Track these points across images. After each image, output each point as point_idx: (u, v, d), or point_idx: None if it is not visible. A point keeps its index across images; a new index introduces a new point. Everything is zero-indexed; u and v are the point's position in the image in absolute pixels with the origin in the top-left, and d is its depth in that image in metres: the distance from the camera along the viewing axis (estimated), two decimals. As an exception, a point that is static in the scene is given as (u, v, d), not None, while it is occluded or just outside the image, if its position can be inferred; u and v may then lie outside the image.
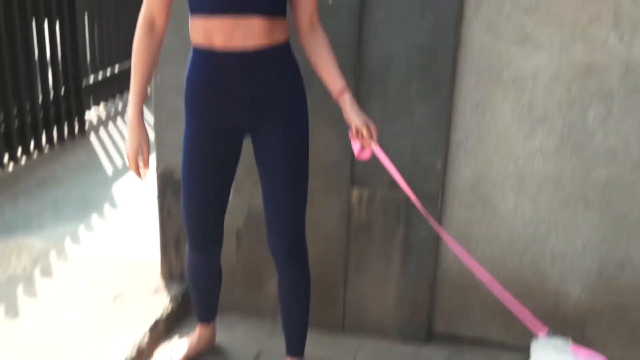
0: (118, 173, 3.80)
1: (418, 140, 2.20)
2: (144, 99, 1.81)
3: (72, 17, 4.18)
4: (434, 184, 2.24)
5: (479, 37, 2.11)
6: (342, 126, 2.11)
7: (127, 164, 1.84)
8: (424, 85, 2.15)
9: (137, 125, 1.80)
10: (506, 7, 2.05)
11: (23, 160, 3.78)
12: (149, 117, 2.41)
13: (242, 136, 1.88)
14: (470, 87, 2.17)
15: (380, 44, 2.15)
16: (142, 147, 1.82)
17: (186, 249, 2.07)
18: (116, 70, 5.04)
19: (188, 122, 1.84)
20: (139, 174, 1.85)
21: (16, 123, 3.66)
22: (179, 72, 1.96)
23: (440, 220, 2.31)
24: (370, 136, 1.79)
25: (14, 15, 3.56)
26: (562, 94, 2.11)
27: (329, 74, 1.79)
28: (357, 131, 1.79)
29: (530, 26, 2.06)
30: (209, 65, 1.73)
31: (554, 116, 2.13)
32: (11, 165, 3.67)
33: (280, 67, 1.78)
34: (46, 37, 4.00)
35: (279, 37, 1.74)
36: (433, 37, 2.10)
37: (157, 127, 2.43)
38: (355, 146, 1.83)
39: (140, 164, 1.84)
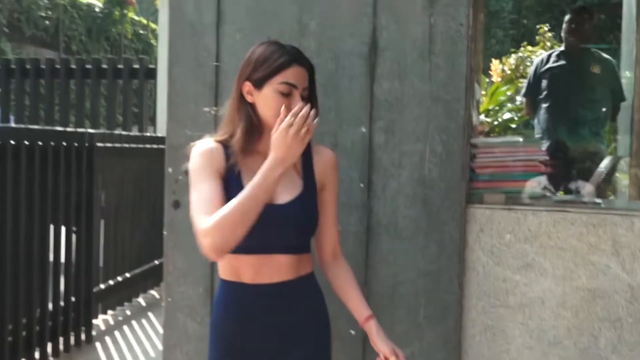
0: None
1: (428, 365, 2.18)
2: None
3: (89, 224, 4.36)
4: (446, 412, 2.18)
5: (483, 263, 2.19)
6: (352, 348, 2.10)
7: None
8: (431, 310, 2.19)
9: None
10: (507, 235, 2.16)
11: (25, 372, 3.71)
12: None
13: None
14: (478, 311, 2.21)
15: (386, 269, 2.22)
16: None
17: None
18: (127, 276, 5.12)
19: (212, 348, 1.84)
20: None
21: (24, 333, 3.64)
22: (190, 294, 2.01)
23: None
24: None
25: (34, 220, 3.71)
26: (571, 319, 2.13)
27: (356, 302, 1.84)
28: (386, 359, 1.77)
29: (532, 254, 2.14)
30: (240, 300, 1.78)
31: (566, 341, 2.14)
32: (12, 377, 3.59)
33: (305, 296, 1.83)
34: (62, 243, 4.13)
35: (304, 269, 1.81)
36: (438, 262, 2.18)
37: (166, 349, 2.42)
38: None
39: None
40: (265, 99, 1.69)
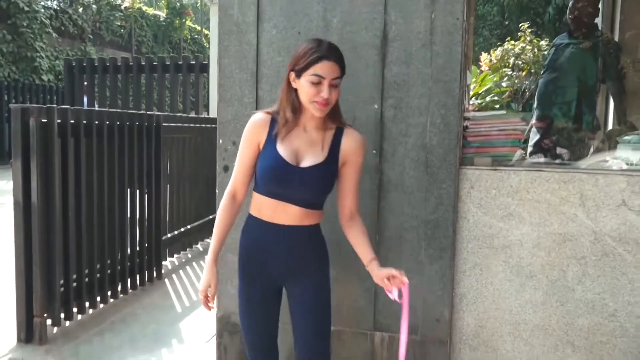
0: (186, 311, 3.78)
1: (428, 294, 2.19)
2: (219, 249, 1.86)
3: (158, 189, 4.40)
4: (443, 331, 2.19)
5: (473, 213, 2.17)
6: (367, 282, 2.11)
7: (200, 297, 1.86)
8: (430, 251, 2.18)
9: (210, 269, 1.84)
10: (493, 191, 2.13)
11: (111, 301, 3.80)
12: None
13: (279, 287, 1.90)
14: (469, 252, 2.20)
15: (395, 218, 2.21)
16: (211, 285, 1.84)
17: None
18: (188, 228, 5.19)
19: (240, 275, 1.90)
20: (207, 306, 1.86)
21: (109, 271, 3.73)
22: (237, 238, 2.03)
23: (450, 362, 2.23)
24: (401, 274, 1.75)
25: (115, 185, 3.77)
26: (544, 257, 2.11)
27: (363, 248, 1.84)
28: (389, 278, 1.75)
29: (513, 206, 2.11)
30: (257, 231, 1.82)
31: (539, 275, 2.12)
32: (101, 305, 3.69)
33: (309, 241, 1.85)
34: (137, 203, 4.19)
35: (311, 221, 1.83)
36: (437, 213, 2.16)
37: (219, 282, 2.45)
38: (394, 292, 1.77)
39: (209, 298, 1.85)
40: (302, 87, 1.71)
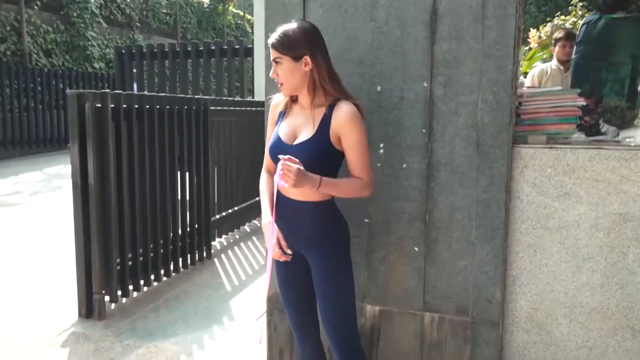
0: (235, 290, 3.85)
1: (480, 275, 2.14)
2: (272, 210, 1.89)
3: (206, 171, 4.47)
4: (494, 313, 2.13)
5: (527, 193, 2.09)
6: (416, 262, 2.07)
7: (272, 254, 1.87)
8: (482, 231, 2.12)
9: (272, 225, 1.86)
10: (547, 169, 2.04)
11: (164, 279, 3.91)
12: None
13: (304, 260, 1.94)
14: (522, 232, 2.12)
15: (445, 198, 2.16)
16: (279, 238, 1.87)
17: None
18: (236, 209, 5.26)
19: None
20: (282, 257, 1.87)
21: (161, 250, 3.83)
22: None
23: (501, 344, 2.17)
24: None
25: (166, 170, 3.85)
26: (602, 238, 2.01)
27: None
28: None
29: (569, 185, 2.02)
30: (280, 203, 1.89)
31: (598, 257, 2.03)
32: (155, 283, 3.80)
33: (316, 216, 1.87)
34: (187, 185, 4.27)
35: (316, 197, 1.85)
36: (488, 192, 2.09)
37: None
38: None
39: (280, 250, 1.87)
40: None
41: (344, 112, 1.78)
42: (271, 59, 1.83)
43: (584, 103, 2.12)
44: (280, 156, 1.71)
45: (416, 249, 2.21)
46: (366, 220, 2.28)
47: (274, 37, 1.81)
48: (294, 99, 1.91)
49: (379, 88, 2.21)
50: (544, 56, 6.50)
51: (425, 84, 2.14)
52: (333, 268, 1.88)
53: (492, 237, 2.11)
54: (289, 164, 1.68)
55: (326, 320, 1.89)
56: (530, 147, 2.09)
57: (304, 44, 1.78)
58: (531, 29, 7.72)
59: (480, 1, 2.04)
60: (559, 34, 4.89)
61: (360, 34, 2.22)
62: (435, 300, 2.22)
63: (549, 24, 7.89)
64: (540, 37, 7.49)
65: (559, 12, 8.52)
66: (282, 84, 1.83)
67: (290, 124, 1.88)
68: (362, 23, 2.21)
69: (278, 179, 1.71)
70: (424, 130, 2.16)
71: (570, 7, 8.10)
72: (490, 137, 2.07)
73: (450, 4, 2.08)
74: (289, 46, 1.78)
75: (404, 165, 2.20)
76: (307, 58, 1.78)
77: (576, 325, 2.09)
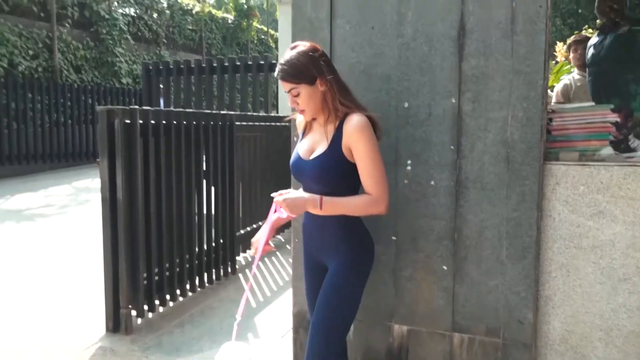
0: (260, 306, 3.84)
1: (511, 295, 2.09)
2: (266, 240, 2.05)
3: (231, 186, 4.49)
4: (526, 334, 2.08)
5: (559, 211, 2.04)
6: (445, 281, 2.04)
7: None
8: (513, 250, 2.07)
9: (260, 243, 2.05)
10: (581, 187, 1.99)
11: (190, 294, 3.92)
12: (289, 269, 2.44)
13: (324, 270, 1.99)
14: (554, 252, 2.07)
15: (474, 216, 2.12)
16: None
17: None
18: (260, 224, 5.27)
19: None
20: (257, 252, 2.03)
21: (187, 265, 3.85)
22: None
23: (533, 366, 2.11)
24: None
25: (192, 185, 3.88)
26: None
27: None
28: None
29: (603, 203, 1.96)
30: (306, 221, 2.02)
31: (635, 278, 1.96)
32: (181, 298, 3.82)
33: (332, 232, 1.90)
34: (212, 201, 4.29)
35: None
36: (519, 210, 2.05)
37: (294, 279, 2.46)
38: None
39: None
40: None
41: (353, 124, 1.78)
42: (285, 91, 1.84)
43: (617, 119, 2.07)
44: (272, 194, 1.86)
45: (445, 267, 2.17)
46: (393, 238, 2.25)
47: (282, 71, 1.82)
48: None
49: (406, 104, 2.19)
50: (571, 70, 6.39)
51: (454, 100, 2.12)
52: (338, 282, 1.87)
53: (524, 257, 2.06)
54: (277, 199, 1.81)
55: (313, 328, 1.89)
56: (562, 164, 2.05)
57: (312, 66, 1.80)
58: (557, 42, 7.61)
59: (509, 17, 2.01)
60: (569, 41, 4.86)
61: (387, 50, 2.21)
62: (464, 321, 2.17)
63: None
64: (567, 50, 7.37)
65: (586, 25, 8.40)
66: (303, 110, 1.85)
67: (309, 140, 1.93)
68: (389, 39, 2.20)
69: (275, 215, 1.89)
70: (452, 147, 2.13)
71: (598, 20, 7.97)
72: (521, 153, 2.04)
73: (478, 20, 2.06)
74: (300, 74, 1.80)
75: (432, 182, 2.18)
76: (320, 79, 1.81)
77: (613, 349, 2.02)
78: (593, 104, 2.12)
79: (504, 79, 2.04)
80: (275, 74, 1.85)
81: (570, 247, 2.04)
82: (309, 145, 1.91)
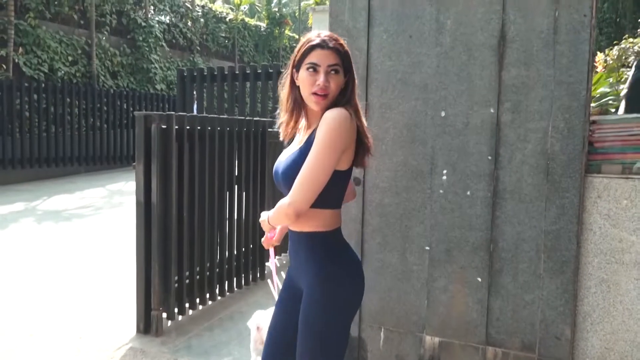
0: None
1: (548, 310, 2.04)
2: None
3: (263, 191, 4.53)
4: (564, 351, 2.02)
5: (600, 225, 1.99)
6: (479, 293, 2.01)
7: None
8: (551, 264, 2.03)
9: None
10: (624, 201, 1.94)
11: (219, 298, 3.96)
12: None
13: (299, 291, 1.73)
14: (594, 267, 2.01)
15: (511, 228, 2.08)
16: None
17: None
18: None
19: None
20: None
21: (217, 270, 3.89)
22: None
23: (571, 385, 2.05)
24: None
25: (224, 190, 3.93)
26: (686, 277, 1.88)
27: None
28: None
29: (648, 218, 1.91)
30: (289, 238, 1.72)
31: (679, 296, 1.89)
32: (210, 301, 3.85)
33: (306, 248, 1.64)
34: (243, 204, 4.33)
35: (306, 227, 1.63)
36: (558, 223, 2.01)
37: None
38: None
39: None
40: (301, 80, 1.60)
41: (327, 114, 1.53)
42: (325, 64, 1.56)
43: (664, 132, 2.01)
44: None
45: (479, 279, 2.14)
46: (427, 248, 2.23)
47: (335, 44, 1.58)
48: (290, 121, 1.70)
49: (443, 113, 2.18)
50: (611, 81, 6.24)
51: (492, 110, 2.10)
52: (315, 303, 1.59)
53: (562, 271, 2.02)
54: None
55: (299, 355, 1.65)
56: (604, 177, 2.00)
57: (351, 59, 1.62)
58: (597, 52, 7.45)
59: (551, 26, 1.99)
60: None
61: (425, 58, 2.21)
62: (499, 335, 2.13)
63: (615, 47, 7.59)
64: (606, 61, 7.20)
65: (626, 35, 8.20)
66: (326, 95, 1.56)
67: (294, 146, 1.68)
68: (427, 48, 2.20)
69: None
70: (489, 157, 2.11)
71: (639, 30, 7.78)
72: (561, 165, 2.00)
73: (520, 30, 2.04)
74: (347, 56, 1.60)
75: (468, 193, 2.15)
76: (349, 75, 1.61)
77: (655, 369, 1.95)
78: (637, 115, 2.07)
79: (545, 89, 2.01)
80: (321, 41, 1.57)
81: (612, 262, 1.99)
82: (288, 150, 1.69)
